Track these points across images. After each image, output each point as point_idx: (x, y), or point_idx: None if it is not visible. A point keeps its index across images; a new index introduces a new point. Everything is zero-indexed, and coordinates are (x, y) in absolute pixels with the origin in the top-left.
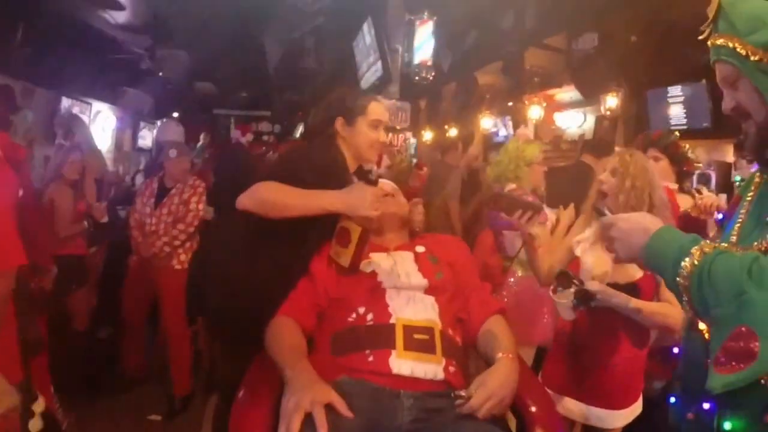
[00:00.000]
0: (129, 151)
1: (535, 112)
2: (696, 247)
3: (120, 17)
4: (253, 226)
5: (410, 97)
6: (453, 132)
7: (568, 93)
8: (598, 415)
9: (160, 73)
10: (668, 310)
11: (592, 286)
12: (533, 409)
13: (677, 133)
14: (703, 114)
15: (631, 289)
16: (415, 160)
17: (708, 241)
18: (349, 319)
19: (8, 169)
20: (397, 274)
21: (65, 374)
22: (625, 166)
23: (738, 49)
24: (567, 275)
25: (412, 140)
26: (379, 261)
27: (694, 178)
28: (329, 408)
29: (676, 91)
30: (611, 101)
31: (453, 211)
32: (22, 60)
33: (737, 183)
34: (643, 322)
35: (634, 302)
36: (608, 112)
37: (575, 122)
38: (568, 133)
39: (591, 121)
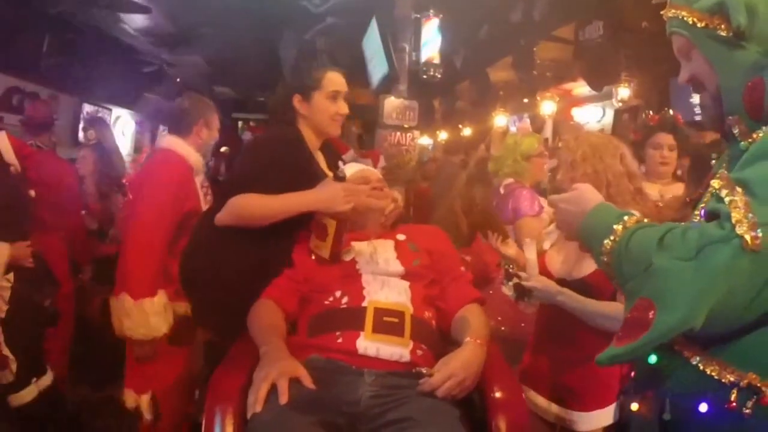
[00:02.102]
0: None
1: (547, 107)
2: (619, 224)
3: (139, 25)
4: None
5: (422, 96)
6: (467, 131)
7: (585, 87)
8: (564, 415)
9: (179, 79)
10: (610, 311)
11: (529, 281)
12: (498, 395)
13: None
14: None
15: (580, 285)
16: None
17: (635, 216)
18: (326, 302)
19: None
20: (375, 261)
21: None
22: (572, 153)
23: (686, 18)
24: (507, 270)
25: (429, 141)
26: (360, 249)
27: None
28: (296, 381)
29: None
30: (623, 92)
31: (458, 208)
32: (47, 68)
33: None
34: (587, 323)
35: (578, 300)
36: (620, 104)
37: (594, 117)
38: (587, 128)
39: (610, 115)
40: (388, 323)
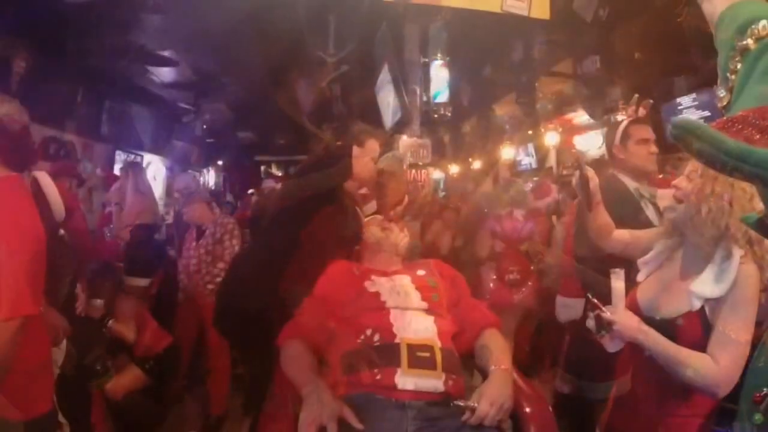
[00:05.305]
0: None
1: (551, 138)
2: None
3: (167, 76)
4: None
5: (433, 133)
6: (476, 164)
7: (585, 116)
8: None
9: (204, 125)
10: (695, 361)
11: (611, 314)
12: (528, 409)
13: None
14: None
15: (667, 326)
16: (443, 193)
17: None
18: (358, 340)
19: (35, 216)
20: (398, 293)
21: None
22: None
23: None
24: (589, 299)
25: (440, 175)
26: (381, 282)
27: None
28: (341, 420)
29: (688, 101)
30: (621, 119)
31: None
32: (82, 118)
33: None
34: (666, 368)
35: (659, 343)
36: None
37: (595, 144)
38: (588, 155)
39: None
40: (421, 358)
